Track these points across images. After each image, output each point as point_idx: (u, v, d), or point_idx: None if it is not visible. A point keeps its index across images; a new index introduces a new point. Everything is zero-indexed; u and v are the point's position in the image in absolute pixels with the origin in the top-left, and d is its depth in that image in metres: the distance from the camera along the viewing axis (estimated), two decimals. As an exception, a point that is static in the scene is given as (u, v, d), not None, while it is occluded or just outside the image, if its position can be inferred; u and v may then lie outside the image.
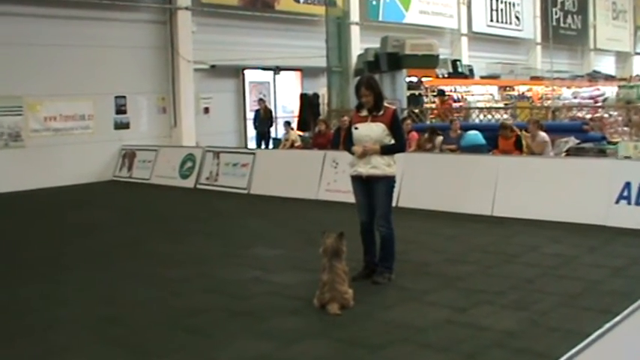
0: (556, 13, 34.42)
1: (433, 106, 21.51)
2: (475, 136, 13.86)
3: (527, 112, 19.15)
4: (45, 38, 16.16)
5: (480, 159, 11.78)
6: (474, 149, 13.39)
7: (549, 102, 25.01)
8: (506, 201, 10.34)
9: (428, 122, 17.98)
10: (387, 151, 6.63)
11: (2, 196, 14.65)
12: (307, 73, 22.23)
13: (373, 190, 6.72)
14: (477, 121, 18.83)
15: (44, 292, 6.96)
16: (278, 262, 7.94)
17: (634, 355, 2.97)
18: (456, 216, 10.30)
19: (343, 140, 7.02)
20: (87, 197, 14.90)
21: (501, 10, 31.62)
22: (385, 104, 6.73)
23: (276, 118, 20.75)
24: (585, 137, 14.17)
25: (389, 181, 6.75)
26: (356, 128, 6.74)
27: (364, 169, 6.68)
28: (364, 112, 6.71)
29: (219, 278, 7.27)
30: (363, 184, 6.78)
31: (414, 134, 14.88)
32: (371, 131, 6.60)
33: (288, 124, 18.77)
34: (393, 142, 6.67)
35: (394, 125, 6.67)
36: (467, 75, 25.31)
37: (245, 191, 13.99)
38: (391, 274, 6.83)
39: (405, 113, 19.34)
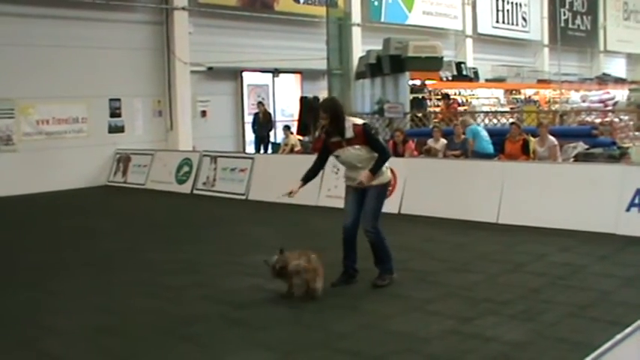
0: (564, 14, 33.99)
1: (437, 109, 21.20)
2: (487, 144, 13.54)
3: (534, 117, 18.91)
4: (37, 39, 15.98)
5: (485, 164, 11.74)
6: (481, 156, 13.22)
7: (557, 106, 24.88)
8: (512, 208, 10.23)
9: (431, 126, 17.64)
10: (377, 169, 6.64)
11: (-7, 201, 14.53)
12: (307, 75, 22.05)
13: (365, 195, 6.76)
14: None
15: (36, 301, 6.89)
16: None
17: (645, 368, 2.96)
18: (460, 223, 10.25)
19: (317, 158, 6.87)
20: (80, 203, 14.81)
21: (507, 10, 31.27)
22: (351, 123, 6.60)
23: (275, 121, 20.56)
24: (594, 142, 13.99)
25: (382, 187, 6.83)
26: (337, 156, 6.77)
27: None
28: (336, 138, 6.66)
29: (217, 286, 7.22)
30: (357, 190, 6.83)
31: (411, 144, 14.62)
32: (355, 155, 6.64)
33: (287, 128, 18.62)
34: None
35: (370, 140, 6.66)
36: (472, 78, 25.02)
37: (243, 197, 13.91)
38: (392, 274, 6.86)
39: (408, 117, 19.11)
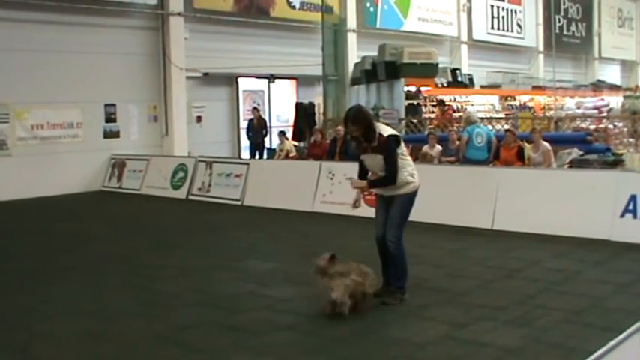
0: (559, 21, 34.07)
1: (432, 116, 21.22)
2: (477, 152, 13.50)
3: (529, 123, 18.93)
4: (32, 44, 15.92)
5: (480, 170, 11.70)
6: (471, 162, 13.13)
7: (552, 112, 24.88)
8: (507, 214, 10.21)
9: (426, 132, 17.63)
10: (374, 185, 6.59)
11: (-13, 207, 14.45)
12: (302, 81, 22.06)
13: (391, 204, 6.63)
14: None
15: (29, 306, 6.84)
16: (272, 276, 7.89)
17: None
18: (455, 229, 10.24)
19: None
20: (75, 208, 14.74)
21: (502, 17, 31.35)
22: (379, 132, 6.44)
23: (270, 127, 20.50)
24: (589, 149, 13.96)
25: (408, 197, 6.62)
26: (363, 160, 6.71)
27: (386, 192, 6.63)
28: (364, 143, 6.57)
29: (212, 292, 7.19)
30: (385, 199, 6.72)
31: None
32: (378, 164, 6.52)
33: (282, 133, 18.60)
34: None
35: (385, 156, 6.43)
36: (467, 84, 25.07)
37: (238, 203, 13.85)
38: (403, 294, 6.63)
39: (403, 123, 19.13)
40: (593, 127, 18.15)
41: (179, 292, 7.20)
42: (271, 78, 21.00)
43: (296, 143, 19.46)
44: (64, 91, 16.48)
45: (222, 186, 14.41)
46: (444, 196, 10.86)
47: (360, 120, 6.41)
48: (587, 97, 27.80)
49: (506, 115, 23.62)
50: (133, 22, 17.93)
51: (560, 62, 31.73)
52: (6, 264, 8.95)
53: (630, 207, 9.07)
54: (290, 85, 22.19)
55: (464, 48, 28.82)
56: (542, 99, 27.23)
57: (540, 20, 33.48)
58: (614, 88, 32.52)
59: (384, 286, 6.67)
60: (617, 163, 12.91)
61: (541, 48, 33.57)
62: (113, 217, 13.31)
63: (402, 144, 6.64)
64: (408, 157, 6.69)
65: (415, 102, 21.35)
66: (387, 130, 6.53)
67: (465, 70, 26.73)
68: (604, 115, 22.70)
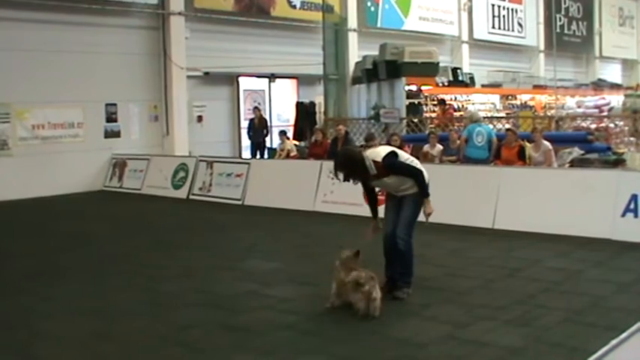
0: (560, 20, 34.04)
1: (433, 115, 21.20)
2: (476, 150, 13.48)
3: (530, 122, 18.91)
4: (33, 44, 15.93)
5: (481, 170, 11.70)
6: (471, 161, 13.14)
7: (553, 111, 24.84)
8: (508, 213, 10.21)
9: (427, 132, 17.61)
10: (424, 192, 6.68)
11: (-12, 206, 14.45)
12: (303, 80, 22.05)
13: (403, 201, 6.76)
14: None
15: (29, 306, 6.83)
16: (274, 276, 7.88)
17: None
18: (456, 229, 10.20)
19: (365, 189, 6.92)
20: (76, 208, 14.74)
21: (503, 16, 31.32)
22: (372, 159, 6.54)
23: (271, 127, 20.48)
24: (590, 148, 13.92)
25: (418, 195, 6.76)
26: (374, 186, 6.91)
27: (398, 192, 6.78)
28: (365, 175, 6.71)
29: (213, 292, 7.17)
30: (396, 198, 6.85)
31: (406, 149, 14.58)
32: (387, 184, 6.72)
33: (283, 133, 18.55)
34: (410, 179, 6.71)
35: (394, 170, 6.61)
36: (467, 83, 24.99)
37: (239, 202, 13.87)
38: (409, 288, 6.78)
39: (404, 123, 19.11)
40: (594, 126, 18.12)
41: (180, 292, 7.19)
42: (272, 77, 21.01)
43: (297, 143, 19.41)
44: (64, 90, 16.48)
45: (223, 185, 14.41)
46: (444, 195, 10.69)
47: (349, 166, 6.56)
48: (588, 96, 27.76)
49: (507, 114, 23.56)
50: (133, 21, 17.93)
51: (561, 61, 31.72)
52: (7, 264, 8.94)
53: (631, 206, 9.07)
54: (291, 84, 22.18)
55: (465, 47, 28.79)
56: (543, 98, 27.20)
57: (541, 19, 33.42)
58: (615, 87, 32.48)
59: (387, 284, 6.72)
60: (618, 162, 12.90)
61: (542, 47, 33.52)
62: (114, 216, 13.30)
63: (400, 153, 6.75)
64: (413, 159, 6.81)
65: (416, 101, 21.29)
66: (379, 154, 6.62)
67: (465, 69, 26.67)
68: (605, 114, 22.69)
